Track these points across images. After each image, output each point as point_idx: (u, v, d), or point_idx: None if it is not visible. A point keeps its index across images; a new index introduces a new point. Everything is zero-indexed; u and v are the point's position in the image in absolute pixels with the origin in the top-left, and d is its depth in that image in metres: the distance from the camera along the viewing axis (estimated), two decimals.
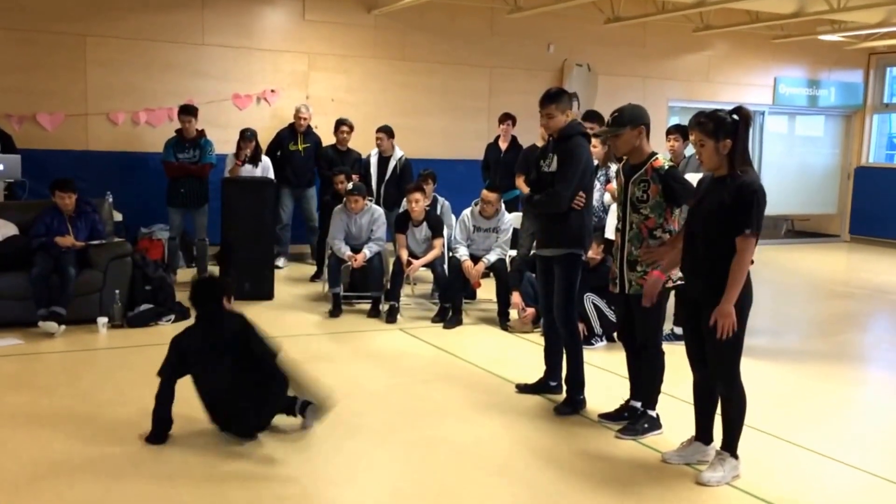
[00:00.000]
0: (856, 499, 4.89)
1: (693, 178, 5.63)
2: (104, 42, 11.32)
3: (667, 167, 5.44)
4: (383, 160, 10.89)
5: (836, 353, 8.39)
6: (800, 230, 18.61)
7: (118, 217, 10.01)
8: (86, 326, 7.99)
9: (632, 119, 5.48)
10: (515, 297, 8.58)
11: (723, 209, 4.66)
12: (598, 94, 14.27)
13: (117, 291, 8.19)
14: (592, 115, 9.03)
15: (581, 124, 6.32)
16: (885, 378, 7.77)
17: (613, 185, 8.30)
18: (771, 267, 13.31)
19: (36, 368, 6.99)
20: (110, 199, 9.60)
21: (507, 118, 11.32)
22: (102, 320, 8.03)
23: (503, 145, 11.28)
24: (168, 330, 8.08)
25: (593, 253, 7.67)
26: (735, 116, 4.73)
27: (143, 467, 4.88)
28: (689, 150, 8.18)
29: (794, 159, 17.96)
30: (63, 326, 7.80)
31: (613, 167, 8.44)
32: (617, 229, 5.65)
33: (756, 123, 16.87)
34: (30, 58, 10.92)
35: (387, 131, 10.82)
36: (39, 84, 11.01)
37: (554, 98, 5.96)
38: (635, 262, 5.50)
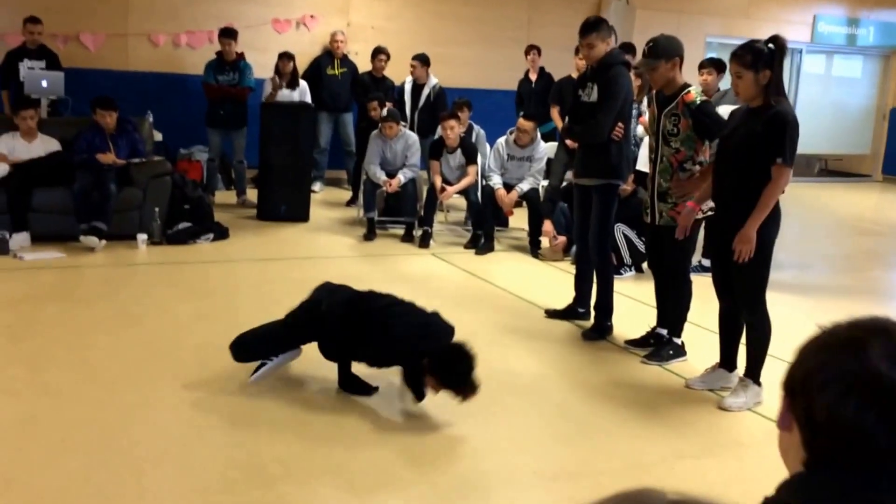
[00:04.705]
0: None
1: (729, 111, 5.65)
2: None
3: (699, 102, 5.43)
4: (417, 88, 10.92)
5: (861, 288, 8.46)
6: (833, 169, 18.51)
7: (158, 137, 10.16)
8: (126, 242, 8.15)
9: (666, 51, 5.47)
10: (547, 226, 8.67)
11: (755, 138, 4.68)
12: (635, 28, 14.18)
13: (157, 209, 8.34)
14: (628, 48, 9.03)
15: (622, 53, 6.30)
16: None
17: (646, 118, 8.34)
18: (801, 204, 13.31)
19: (76, 281, 7.18)
20: (151, 119, 9.72)
21: (531, 49, 11.37)
22: (142, 237, 8.19)
23: (533, 77, 11.34)
24: (207, 248, 8.30)
25: (625, 184, 7.74)
26: (771, 46, 4.75)
27: (182, 377, 5.06)
28: (724, 84, 8.18)
29: (830, 98, 17.76)
30: (103, 241, 7.96)
31: (645, 101, 8.48)
32: (650, 160, 5.73)
33: (793, 62, 16.72)
34: None
35: (421, 59, 10.83)
36: (82, 3, 11.09)
37: (594, 26, 5.90)
38: (665, 193, 5.56)
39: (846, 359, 1.24)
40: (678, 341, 5.79)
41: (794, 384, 1.32)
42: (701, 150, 5.49)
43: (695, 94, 5.49)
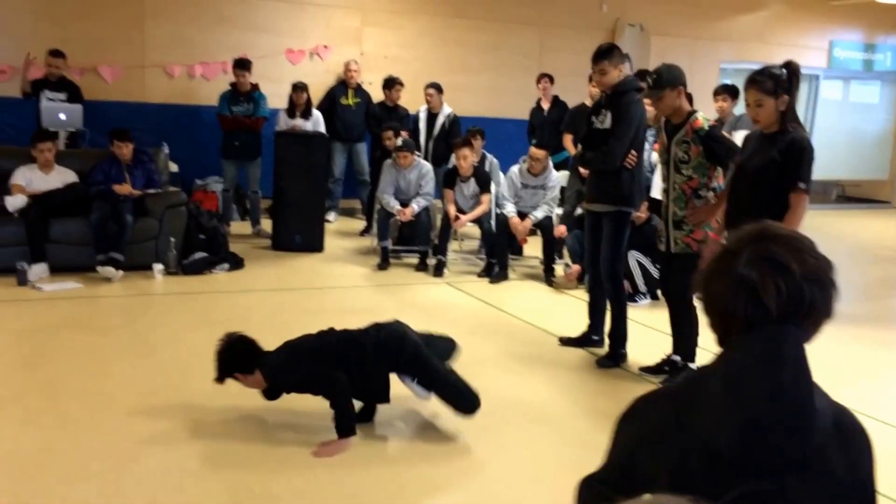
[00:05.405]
0: (893, 456, 4.96)
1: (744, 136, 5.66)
2: None
3: (706, 127, 5.46)
4: (432, 116, 10.96)
5: (878, 316, 8.41)
6: (850, 196, 18.42)
7: (174, 168, 10.22)
8: (142, 272, 8.20)
9: (670, 80, 5.51)
10: (561, 228, 8.74)
11: (772, 165, 4.69)
12: (650, 55, 14.20)
13: (172, 239, 8.39)
14: (643, 74, 9.03)
15: (635, 79, 6.30)
16: None
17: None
18: (819, 231, 13.23)
19: (94, 311, 7.19)
20: (166, 150, 9.78)
21: (543, 77, 11.40)
22: (158, 267, 8.24)
23: (545, 105, 11.36)
24: (222, 278, 8.34)
25: (639, 212, 7.74)
26: (785, 71, 4.76)
27: (197, 407, 5.07)
28: (738, 110, 8.18)
29: (847, 124, 17.69)
30: (120, 272, 8.02)
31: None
32: (663, 189, 5.73)
33: (810, 88, 16.70)
34: (90, 9, 11.09)
35: (437, 87, 10.88)
36: (99, 36, 11.18)
37: (606, 54, 5.93)
38: (680, 221, 5.56)
39: (724, 265, 1.73)
40: (693, 367, 5.76)
41: (699, 285, 1.82)
42: (714, 176, 5.50)
43: (702, 120, 5.51)
